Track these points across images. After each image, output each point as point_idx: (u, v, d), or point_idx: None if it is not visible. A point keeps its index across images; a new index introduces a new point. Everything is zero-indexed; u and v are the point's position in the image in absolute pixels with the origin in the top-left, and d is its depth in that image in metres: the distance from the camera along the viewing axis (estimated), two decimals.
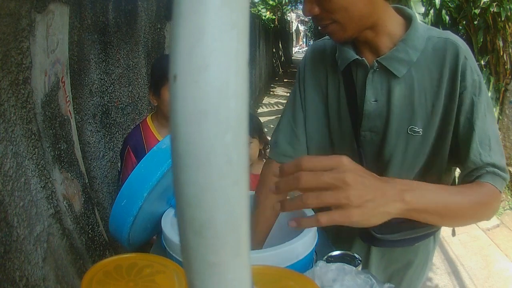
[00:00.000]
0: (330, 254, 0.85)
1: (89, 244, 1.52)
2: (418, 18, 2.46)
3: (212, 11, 0.18)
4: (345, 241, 1.07)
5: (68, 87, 1.47)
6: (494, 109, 3.62)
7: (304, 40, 34.40)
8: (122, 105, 1.95)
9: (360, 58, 0.88)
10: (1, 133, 1.06)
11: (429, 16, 3.74)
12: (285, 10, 13.74)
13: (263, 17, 10.59)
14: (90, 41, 1.64)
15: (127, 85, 2.00)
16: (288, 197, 0.75)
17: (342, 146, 0.97)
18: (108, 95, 1.81)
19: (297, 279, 0.69)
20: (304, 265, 0.83)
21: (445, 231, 2.05)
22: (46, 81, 1.30)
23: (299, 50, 27.23)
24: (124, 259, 0.71)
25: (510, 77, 3.73)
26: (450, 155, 0.89)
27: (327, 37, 0.92)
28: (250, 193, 1.04)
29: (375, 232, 0.88)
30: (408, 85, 0.86)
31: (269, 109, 7.68)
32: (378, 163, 0.93)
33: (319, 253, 0.92)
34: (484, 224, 2.90)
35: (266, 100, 8.55)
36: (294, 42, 26.89)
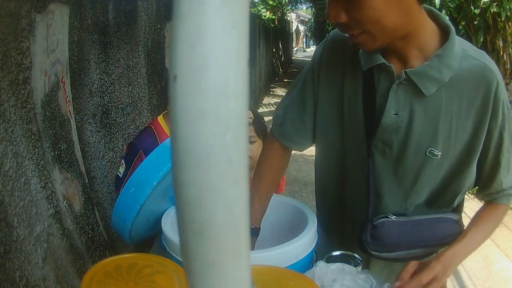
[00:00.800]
0: (330, 254, 0.85)
1: (89, 244, 1.51)
2: None
3: (212, 11, 0.18)
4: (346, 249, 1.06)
5: (68, 87, 1.47)
6: None
7: (304, 40, 34.37)
8: (122, 105, 1.95)
9: (388, 64, 0.80)
10: (1, 133, 1.06)
11: None
12: (285, 10, 13.73)
13: (263, 17, 10.59)
14: (90, 41, 1.64)
15: (127, 85, 2.00)
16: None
17: (353, 150, 0.93)
18: (108, 95, 1.81)
19: (297, 279, 0.69)
20: (304, 265, 0.83)
21: None
22: (46, 81, 1.29)
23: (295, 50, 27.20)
24: (124, 259, 0.71)
25: (510, 77, 3.72)
26: (468, 179, 0.88)
27: None
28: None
29: (370, 249, 0.89)
30: (435, 105, 0.80)
31: (269, 109, 7.68)
32: (389, 177, 0.89)
33: (319, 253, 0.92)
34: None
35: (266, 100, 8.54)
36: (294, 42, 26.87)
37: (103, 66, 1.75)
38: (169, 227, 0.89)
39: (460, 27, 3.89)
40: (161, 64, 2.47)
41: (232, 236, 0.20)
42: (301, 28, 33.95)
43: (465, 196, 0.98)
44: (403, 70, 0.79)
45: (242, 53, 0.19)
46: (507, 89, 3.72)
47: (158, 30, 2.41)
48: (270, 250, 0.79)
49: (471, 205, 0.94)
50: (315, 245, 0.88)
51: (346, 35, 0.76)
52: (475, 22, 3.69)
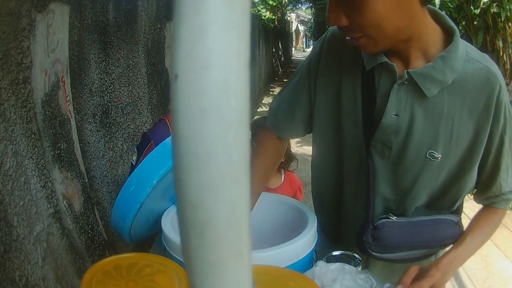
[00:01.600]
0: (330, 254, 0.85)
1: (88, 243, 1.51)
2: None
3: (213, 11, 0.18)
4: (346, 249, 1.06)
5: (68, 86, 1.47)
6: None
7: (304, 40, 34.37)
8: (122, 105, 1.95)
9: (390, 63, 0.79)
10: (1, 132, 1.06)
11: None
12: (285, 10, 13.74)
13: (263, 17, 10.59)
14: (90, 41, 1.64)
15: (127, 85, 2.00)
16: None
17: (351, 150, 0.92)
18: (108, 94, 1.81)
19: (297, 279, 0.69)
20: (304, 265, 0.83)
21: None
22: (46, 80, 1.29)
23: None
24: (124, 259, 0.71)
25: (510, 77, 3.73)
26: (469, 183, 0.87)
27: None
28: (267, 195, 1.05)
29: (371, 250, 0.88)
30: (437, 107, 0.79)
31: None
32: (390, 181, 0.89)
33: (319, 253, 0.92)
34: None
35: (266, 100, 8.54)
36: (294, 42, 26.87)
37: (103, 66, 1.75)
38: (169, 226, 0.89)
39: (460, 27, 3.89)
40: (161, 64, 2.47)
41: (233, 236, 0.20)
42: (301, 28, 33.96)
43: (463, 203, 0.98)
44: (405, 70, 0.78)
45: (243, 52, 0.19)
46: (507, 89, 3.73)
47: (158, 30, 2.41)
48: (270, 250, 0.79)
49: (470, 205, 0.94)
50: (315, 245, 0.88)
51: (347, 37, 0.75)
52: (475, 22, 3.70)
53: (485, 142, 0.81)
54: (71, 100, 1.51)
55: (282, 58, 14.25)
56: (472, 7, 3.59)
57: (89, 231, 1.55)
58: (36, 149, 1.21)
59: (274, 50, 12.06)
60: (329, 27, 0.89)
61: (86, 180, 1.60)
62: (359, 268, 0.81)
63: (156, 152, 0.92)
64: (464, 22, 3.81)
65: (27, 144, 1.17)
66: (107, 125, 1.82)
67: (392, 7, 0.67)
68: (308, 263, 0.85)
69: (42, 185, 1.23)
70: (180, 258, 0.77)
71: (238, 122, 0.19)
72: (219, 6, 0.18)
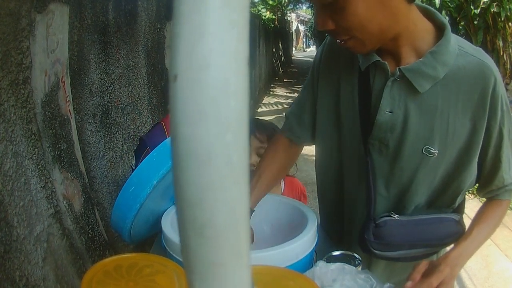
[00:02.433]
0: (330, 254, 0.85)
1: (89, 244, 1.51)
2: None
3: (213, 11, 0.18)
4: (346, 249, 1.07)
5: (68, 87, 1.47)
6: None
7: (304, 40, 34.37)
8: (122, 105, 1.95)
9: (382, 61, 0.81)
10: (1, 133, 1.06)
11: None
12: (285, 10, 13.74)
13: (263, 17, 10.59)
14: (90, 41, 1.64)
15: (127, 85, 2.00)
16: None
17: (350, 149, 0.93)
18: (108, 95, 1.81)
19: (297, 279, 0.69)
20: (304, 265, 0.83)
21: None
22: (46, 81, 1.29)
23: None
24: (124, 259, 0.71)
25: (510, 77, 3.73)
26: (468, 178, 0.87)
27: None
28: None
29: (373, 248, 0.88)
30: (430, 102, 0.80)
31: (269, 108, 7.68)
32: (388, 178, 0.89)
33: (319, 253, 0.92)
34: None
35: (266, 100, 8.54)
36: (294, 42, 26.86)
37: (103, 66, 1.75)
38: (169, 227, 0.89)
39: (460, 27, 3.89)
40: (161, 64, 2.47)
41: (232, 236, 0.20)
42: (301, 28, 33.94)
43: (466, 196, 0.98)
44: (397, 68, 0.79)
45: (242, 52, 0.19)
46: (507, 89, 3.72)
47: (158, 30, 2.41)
48: (270, 250, 0.79)
49: (471, 205, 0.93)
50: (315, 245, 0.88)
51: (337, 40, 0.77)
52: (475, 22, 3.70)
53: (483, 136, 0.81)
54: (71, 100, 1.51)
55: (283, 58, 14.25)
56: (472, 7, 3.59)
57: (89, 231, 1.55)
58: (36, 149, 1.22)
59: (274, 50, 12.06)
60: None
61: (86, 181, 1.60)
62: (359, 268, 0.81)
63: (156, 152, 0.92)
64: (464, 22, 3.81)
65: (27, 144, 1.17)
66: (107, 125, 1.82)
67: (374, 8, 0.69)
68: (308, 263, 0.85)
69: (42, 185, 1.23)
70: (180, 258, 0.77)
71: (238, 122, 0.19)
72: (219, 6, 0.18)
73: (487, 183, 0.89)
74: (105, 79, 1.78)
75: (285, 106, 7.77)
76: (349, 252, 0.85)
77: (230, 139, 0.19)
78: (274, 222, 1.08)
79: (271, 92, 9.69)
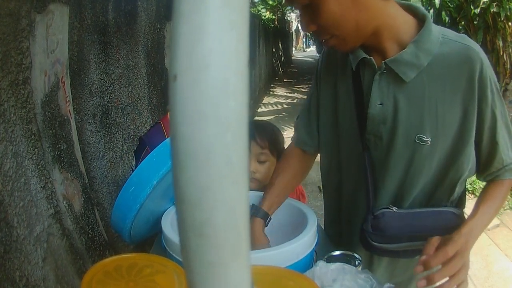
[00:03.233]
0: (330, 254, 0.85)
1: (89, 244, 1.52)
2: None
3: (212, 11, 0.18)
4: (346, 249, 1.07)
5: (68, 87, 1.47)
6: None
7: (304, 40, 34.37)
8: (122, 105, 1.95)
9: (368, 58, 0.84)
10: (1, 133, 1.06)
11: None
12: (285, 10, 13.74)
13: (263, 17, 10.59)
14: (90, 41, 1.64)
15: (127, 85, 2.00)
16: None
17: (348, 147, 0.96)
18: (108, 95, 1.81)
19: (297, 279, 0.69)
20: (304, 265, 0.83)
21: None
22: (46, 81, 1.29)
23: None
24: (124, 259, 0.71)
25: (510, 77, 3.73)
26: (465, 164, 0.88)
27: None
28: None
29: (372, 240, 0.89)
30: (417, 91, 0.82)
31: (269, 109, 7.68)
32: (384, 170, 0.91)
33: (319, 253, 0.92)
34: None
35: (266, 100, 8.54)
36: (294, 42, 26.86)
37: (103, 66, 1.75)
38: (169, 227, 0.89)
39: (460, 27, 3.89)
40: (161, 64, 2.47)
41: (232, 236, 0.20)
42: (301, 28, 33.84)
43: (466, 196, 0.98)
44: (383, 61, 0.82)
45: (242, 53, 0.19)
46: (507, 89, 3.72)
47: (158, 30, 2.41)
48: (270, 250, 0.80)
49: (471, 205, 0.93)
50: (315, 245, 0.88)
51: (322, 40, 0.81)
52: (475, 22, 3.69)
53: (475, 120, 0.82)
54: (71, 100, 1.51)
55: (283, 58, 14.24)
56: (472, 7, 3.59)
57: (89, 231, 1.55)
58: (36, 149, 1.22)
59: (274, 50, 12.06)
60: None
61: (86, 181, 1.60)
62: (359, 268, 0.81)
63: (156, 152, 0.92)
64: (464, 22, 3.81)
65: (27, 145, 1.17)
66: (107, 125, 1.82)
67: (346, 4, 0.72)
68: (308, 263, 0.86)
69: (42, 185, 1.23)
70: (180, 258, 0.77)
71: (237, 122, 0.19)
72: (218, 6, 0.18)
73: (486, 167, 0.90)
74: (105, 79, 1.78)
75: (285, 106, 7.77)
76: (349, 252, 0.86)
77: (230, 139, 0.19)
78: (274, 222, 1.08)
79: (271, 92, 9.69)
